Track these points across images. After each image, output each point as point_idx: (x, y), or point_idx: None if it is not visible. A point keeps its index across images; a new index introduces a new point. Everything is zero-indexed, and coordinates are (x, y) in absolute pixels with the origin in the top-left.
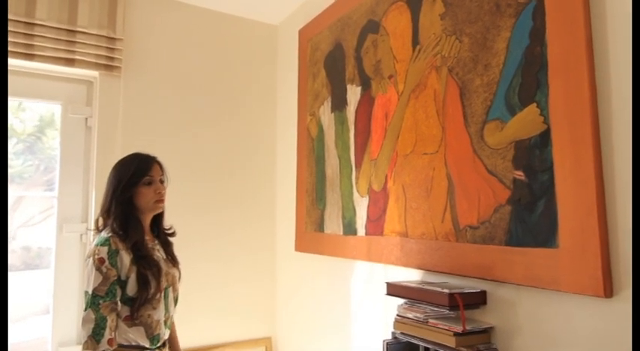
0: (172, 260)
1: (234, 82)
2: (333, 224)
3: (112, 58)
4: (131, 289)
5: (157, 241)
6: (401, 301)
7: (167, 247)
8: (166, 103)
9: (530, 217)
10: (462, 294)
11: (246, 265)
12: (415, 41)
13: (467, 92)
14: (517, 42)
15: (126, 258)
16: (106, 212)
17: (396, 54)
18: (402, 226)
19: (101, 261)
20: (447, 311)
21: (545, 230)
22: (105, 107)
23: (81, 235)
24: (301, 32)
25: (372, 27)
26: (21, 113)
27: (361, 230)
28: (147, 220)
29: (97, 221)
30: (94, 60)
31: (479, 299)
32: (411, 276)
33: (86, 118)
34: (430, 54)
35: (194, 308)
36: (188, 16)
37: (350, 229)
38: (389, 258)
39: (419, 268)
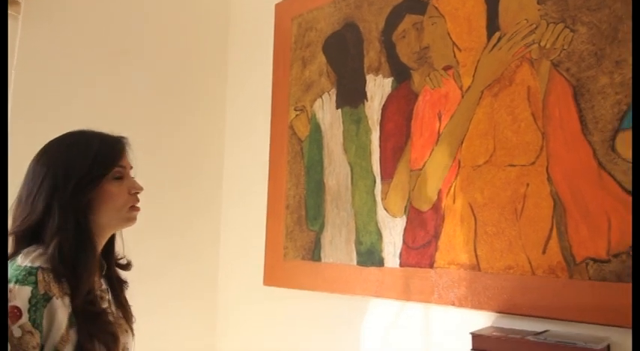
0: (125, 313)
1: (175, 58)
2: (339, 251)
3: None
4: None
5: (103, 281)
6: None
7: (118, 291)
8: (84, 66)
9: None
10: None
11: (172, 311)
12: (492, 27)
13: (586, 93)
14: None
15: (62, 313)
16: (33, 228)
17: (458, 41)
18: (469, 257)
19: (15, 314)
20: None
21: None
22: None
23: None
24: (280, 7)
25: (414, 6)
26: None
27: (392, 260)
28: (103, 242)
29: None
30: None
31: None
32: (475, 321)
33: None
34: (520, 43)
35: None
36: None
37: (371, 258)
38: (445, 297)
39: (499, 311)
